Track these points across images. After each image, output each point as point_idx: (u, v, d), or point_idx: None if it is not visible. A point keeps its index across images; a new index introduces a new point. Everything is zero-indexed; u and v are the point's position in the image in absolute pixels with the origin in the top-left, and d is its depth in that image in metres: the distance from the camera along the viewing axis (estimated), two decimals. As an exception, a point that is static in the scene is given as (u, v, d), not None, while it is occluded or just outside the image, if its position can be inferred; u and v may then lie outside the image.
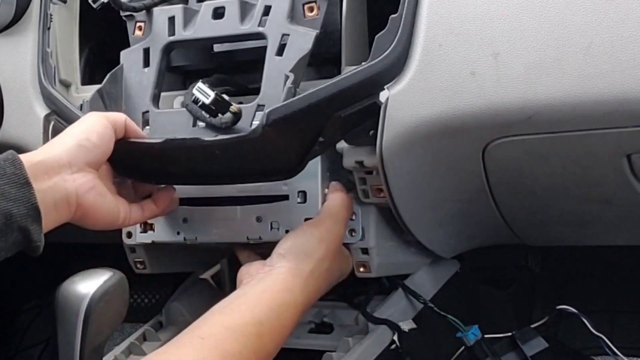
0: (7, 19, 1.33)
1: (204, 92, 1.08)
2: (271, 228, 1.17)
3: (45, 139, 1.26)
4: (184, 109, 1.13)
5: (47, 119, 1.27)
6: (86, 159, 1.02)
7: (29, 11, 1.33)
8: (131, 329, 1.31)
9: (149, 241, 1.26)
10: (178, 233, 1.22)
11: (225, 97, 1.08)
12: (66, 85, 1.29)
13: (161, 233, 1.24)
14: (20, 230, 0.93)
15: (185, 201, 1.21)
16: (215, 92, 1.08)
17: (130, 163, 1.12)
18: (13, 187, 0.93)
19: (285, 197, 1.16)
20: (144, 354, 1.25)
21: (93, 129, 1.04)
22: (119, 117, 1.08)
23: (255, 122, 1.08)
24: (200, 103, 1.08)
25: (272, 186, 1.15)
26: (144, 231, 1.25)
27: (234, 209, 1.19)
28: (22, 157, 0.97)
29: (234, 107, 1.08)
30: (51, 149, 1.01)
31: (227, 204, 1.19)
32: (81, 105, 1.20)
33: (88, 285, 0.92)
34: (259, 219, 1.17)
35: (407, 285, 1.31)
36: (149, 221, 1.23)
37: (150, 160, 1.12)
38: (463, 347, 1.27)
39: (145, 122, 1.17)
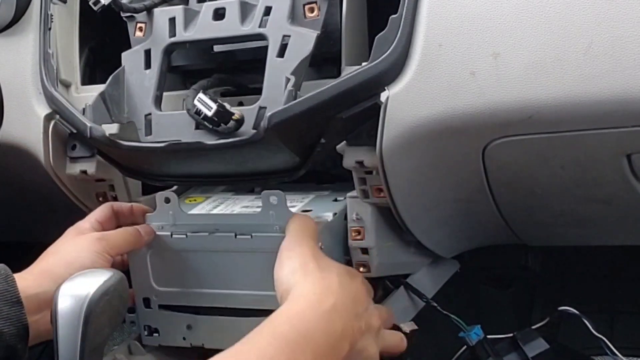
0: (7, 19, 1.33)
1: (205, 103, 1.08)
2: None
3: (45, 139, 1.26)
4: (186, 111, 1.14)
5: (47, 119, 1.27)
6: None
7: (29, 11, 1.33)
8: (131, 329, 1.31)
9: (156, 344, 1.24)
10: (184, 338, 1.20)
11: (227, 106, 1.09)
12: (66, 85, 1.29)
13: (167, 337, 1.22)
14: (6, 349, 0.93)
15: (189, 309, 1.20)
16: (217, 103, 1.08)
17: (134, 165, 1.12)
18: (5, 305, 0.94)
19: None
20: (144, 354, 1.25)
21: (84, 262, 1.03)
22: (116, 238, 1.08)
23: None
24: (202, 115, 1.08)
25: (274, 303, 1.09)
26: (149, 334, 1.23)
27: (239, 320, 1.15)
28: (17, 278, 0.97)
29: (236, 114, 1.08)
30: (42, 283, 1.01)
31: (230, 315, 1.17)
32: (84, 109, 1.20)
33: (88, 285, 0.92)
34: None
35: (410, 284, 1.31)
36: (152, 325, 1.22)
37: (153, 162, 1.12)
38: (465, 347, 1.27)
39: (148, 124, 1.17)
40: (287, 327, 0.87)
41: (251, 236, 1.10)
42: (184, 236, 1.13)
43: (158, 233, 1.15)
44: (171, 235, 1.15)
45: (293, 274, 0.97)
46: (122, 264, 1.17)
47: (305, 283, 0.96)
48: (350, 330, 0.95)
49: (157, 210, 1.16)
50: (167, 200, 1.14)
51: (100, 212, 1.16)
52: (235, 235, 1.10)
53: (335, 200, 1.24)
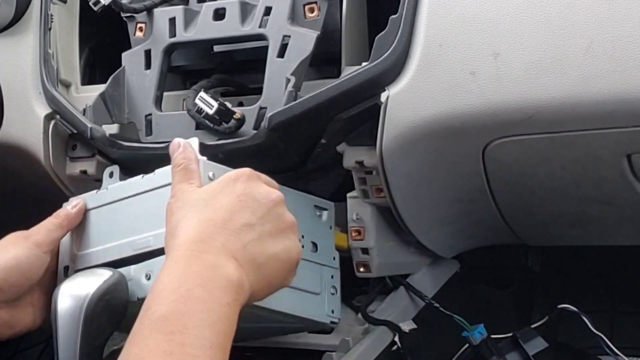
0: (7, 19, 1.33)
1: (207, 102, 1.08)
2: None
3: (45, 139, 1.26)
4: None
5: (47, 119, 1.27)
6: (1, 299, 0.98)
7: (29, 11, 1.33)
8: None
9: None
10: None
11: (229, 105, 1.09)
12: (66, 85, 1.29)
13: None
14: None
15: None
16: (218, 101, 1.08)
17: (134, 165, 1.12)
18: None
19: None
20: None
21: (16, 268, 0.98)
22: (39, 232, 1.02)
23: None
24: (204, 114, 1.08)
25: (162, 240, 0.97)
26: None
27: (128, 269, 1.02)
28: None
29: (238, 113, 1.09)
30: None
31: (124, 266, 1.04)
32: (84, 110, 1.20)
33: (88, 284, 0.92)
34: None
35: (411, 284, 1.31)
36: None
37: (154, 163, 1.12)
38: (466, 346, 1.27)
39: (148, 125, 1.17)
40: (162, 308, 0.78)
41: (154, 174, 1.03)
42: (105, 190, 1.08)
43: (89, 196, 1.10)
44: (96, 192, 1.10)
45: (171, 226, 0.88)
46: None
47: (176, 238, 0.85)
48: (242, 251, 0.84)
49: (102, 184, 1.13)
50: (111, 175, 1.12)
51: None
52: (142, 177, 1.04)
53: None
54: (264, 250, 0.85)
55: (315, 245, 1.11)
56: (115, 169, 1.11)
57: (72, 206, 1.06)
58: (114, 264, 1.02)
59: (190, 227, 0.84)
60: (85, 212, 1.07)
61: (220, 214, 0.84)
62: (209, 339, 0.76)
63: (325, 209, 1.15)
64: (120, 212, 1.04)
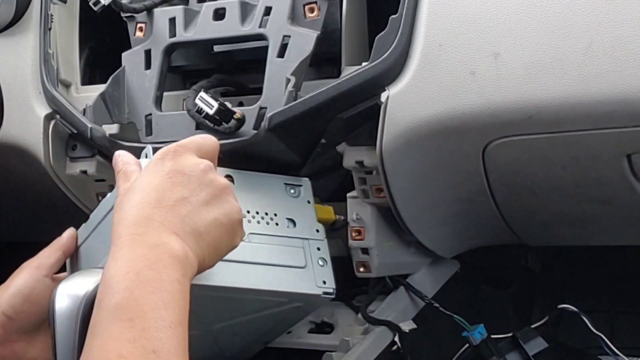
0: (7, 19, 1.33)
1: (207, 102, 1.08)
2: None
3: (45, 139, 1.27)
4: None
5: (47, 119, 1.27)
6: (11, 329, 0.98)
7: (29, 11, 1.33)
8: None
9: None
10: None
11: (228, 105, 1.09)
12: (66, 85, 1.29)
13: None
14: None
15: None
16: (218, 101, 1.08)
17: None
18: None
19: None
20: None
21: (19, 293, 0.99)
22: (45, 260, 1.02)
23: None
24: (204, 114, 1.08)
25: None
26: None
27: None
28: None
29: (238, 114, 1.09)
30: None
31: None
32: (84, 110, 1.20)
33: (85, 284, 0.92)
34: None
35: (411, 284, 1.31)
36: None
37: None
38: (466, 346, 1.27)
39: (148, 125, 1.17)
40: (116, 296, 0.78)
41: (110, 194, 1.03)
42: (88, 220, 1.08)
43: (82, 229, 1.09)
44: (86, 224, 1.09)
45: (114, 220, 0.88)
46: None
47: (115, 227, 0.85)
48: (181, 225, 0.84)
49: None
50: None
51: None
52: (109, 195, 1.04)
53: None
54: (202, 218, 0.86)
55: (292, 221, 1.11)
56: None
57: (64, 233, 1.07)
58: None
59: (128, 213, 0.84)
60: (80, 246, 1.07)
61: (152, 194, 0.85)
62: (167, 318, 0.77)
63: (299, 185, 1.14)
64: (99, 235, 1.05)
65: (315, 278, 1.10)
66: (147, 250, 0.81)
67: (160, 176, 0.87)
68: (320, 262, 1.11)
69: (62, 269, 1.05)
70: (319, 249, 1.12)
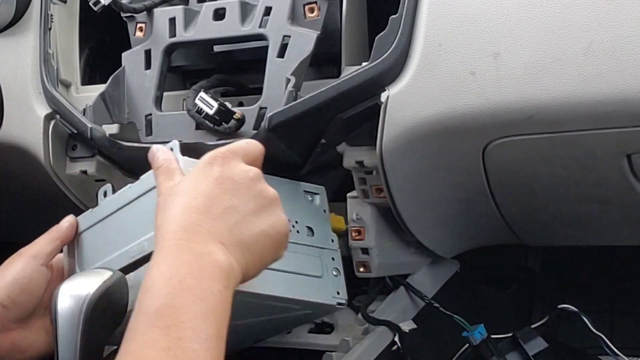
0: (7, 19, 1.33)
1: (206, 102, 1.08)
2: None
3: (45, 139, 1.27)
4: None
5: (47, 119, 1.27)
6: (7, 318, 0.98)
7: (29, 11, 1.34)
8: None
9: None
10: None
11: (228, 105, 1.09)
12: (66, 85, 1.29)
13: None
14: None
15: None
16: (218, 102, 1.08)
17: (134, 165, 1.12)
18: None
19: None
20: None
21: (15, 283, 0.98)
22: (42, 248, 1.02)
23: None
24: (203, 114, 1.08)
25: None
26: None
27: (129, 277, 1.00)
28: None
29: (237, 114, 1.09)
30: None
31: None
32: (84, 110, 1.20)
33: (88, 284, 0.92)
34: None
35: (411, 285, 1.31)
36: None
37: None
38: (466, 346, 1.27)
39: (148, 125, 1.17)
40: (156, 302, 0.77)
41: (140, 180, 1.03)
42: (97, 206, 1.07)
43: (83, 217, 1.09)
44: (90, 211, 1.09)
45: (158, 222, 0.87)
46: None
47: (161, 230, 0.84)
48: (228, 235, 0.83)
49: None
50: (105, 194, 1.10)
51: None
52: (129, 187, 1.04)
53: None
54: (249, 229, 0.85)
55: (310, 229, 1.11)
56: (109, 187, 1.10)
57: (64, 221, 1.06)
58: None
59: (174, 217, 0.83)
60: (81, 234, 1.07)
61: (200, 200, 0.84)
62: (205, 330, 0.76)
63: (317, 194, 1.14)
64: (113, 225, 1.05)
65: (330, 287, 1.10)
66: (192, 257, 0.80)
67: (209, 182, 0.85)
68: (335, 272, 1.11)
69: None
70: (333, 259, 1.12)
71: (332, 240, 1.13)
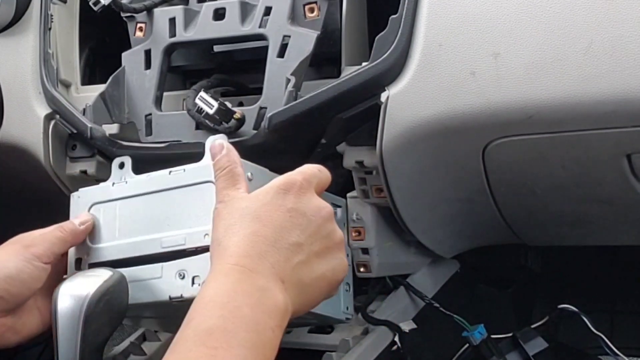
0: (7, 19, 1.33)
1: (207, 102, 1.08)
2: (193, 284, 0.97)
3: (45, 139, 1.27)
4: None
5: (47, 119, 1.27)
6: (1, 308, 0.97)
7: (29, 11, 1.33)
8: (131, 329, 1.31)
9: None
10: None
11: (228, 104, 1.09)
12: (66, 85, 1.29)
13: None
14: None
15: (120, 263, 1.04)
16: (218, 101, 1.08)
17: (134, 166, 1.12)
18: None
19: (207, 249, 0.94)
20: (143, 354, 1.25)
21: (17, 278, 0.97)
22: (49, 249, 1.00)
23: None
24: (204, 113, 1.08)
25: (196, 240, 0.98)
26: None
27: (157, 266, 1.00)
28: None
29: (238, 113, 1.09)
30: None
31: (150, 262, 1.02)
32: (84, 110, 1.20)
33: (88, 285, 0.92)
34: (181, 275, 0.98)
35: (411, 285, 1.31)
36: None
37: (154, 163, 1.12)
38: (466, 346, 1.27)
39: (148, 125, 1.17)
40: (209, 321, 0.77)
41: (184, 170, 1.01)
42: (125, 183, 1.06)
43: (102, 188, 1.07)
44: (112, 184, 1.07)
45: (219, 233, 0.86)
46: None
47: (225, 249, 0.83)
48: (290, 273, 0.83)
49: (111, 175, 1.09)
50: (122, 165, 1.08)
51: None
52: (170, 172, 1.02)
53: None
54: (311, 271, 0.85)
55: None
56: (127, 159, 1.08)
57: (80, 222, 1.05)
58: (134, 261, 1.01)
59: (240, 241, 0.82)
60: (98, 204, 1.06)
61: (270, 230, 0.83)
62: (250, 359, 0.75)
63: (339, 206, 1.14)
64: (144, 208, 1.03)
65: (342, 303, 1.10)
66: (253, 289, 0.79)
67: (281, 211, 0.84)
68: (346, 287, 1.11)
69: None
70: None
71: (347, 255, 1.13)
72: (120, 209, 1.05)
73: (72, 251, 1.07)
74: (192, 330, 0.76)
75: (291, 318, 0.84)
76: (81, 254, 1.07)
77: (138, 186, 1.04)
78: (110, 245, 1.05)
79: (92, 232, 1.06)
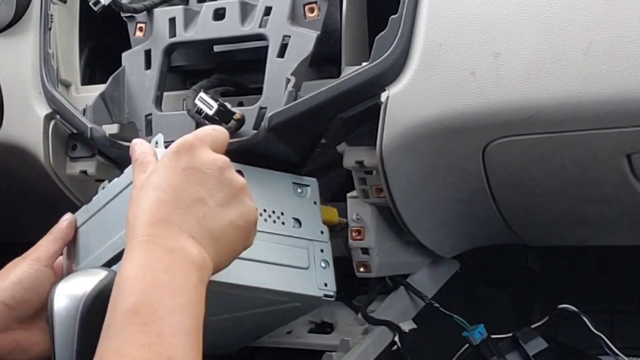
0: (7, 19, 1.33)
1: (206, 102, 1.08)
2: None
3: (45, 139, 1.27)
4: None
5: (47, 119, 1.27)
6: (11, 318, 0.98)
7: (29, 11, 1.34)
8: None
9: None
10: None
11: (228, 105, 1.09)
12: (66, 85, 1.29)
13: None
14: None
15: None
16: (218, 102, 1.08)
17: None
18: None
19: None
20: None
21: (20, 283, 0.98)
22: (44, 250, 1.01)
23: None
24: (203, 114, 1.08)
25: None
26: None
27: None
28: None
29: (237, 114, 1.09)
30: None
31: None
32: (84, 110, 1.20)
33: (84, 284, 0.92)
34: None
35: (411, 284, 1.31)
36: None
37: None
38: (466, 346, 1.27)
39: (148, 125, 1.17)
40: (131, 299, 0.77)
41: (115, 180, 1.04)
42: (92, 200, 1.08)
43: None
44: (85, 207, 1.09)
45: (129, 215, 0.87)
46: None
47: (132, 224, 0.84)
48: (198, 227, 0.83)
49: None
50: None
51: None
52: (115, 180, 1.05)
53: None
54: (219, 221, 0.85)
55: (297, 221, 1.11)
56: (107, 184, 1.11)
57: (63, 220, 1.06)
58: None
59: (144, 211, 0.83)
60: (77, 230, 1.07)
61: (170, 193, 0.84)
62: (183, 324, 0.76)
63: (307, 185, 1.14)
64: (101, 220, 1.05)
65: (317, 280, 1.10)
66: (164, 254, 0.80)
67: (176, 172, 0.85)
68: (323, 264, 1.11)
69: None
70: (322, 250, 1.12)
71: (322, 232, 1.13)
72: (87, 229, 1.07)
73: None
74: (118, 313, 0.77)
75: (215, 271, 0.85)
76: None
77: (97, 202, 1.06)
78: (85, 264, 1.06)
79: (75, 257, 1.08)
